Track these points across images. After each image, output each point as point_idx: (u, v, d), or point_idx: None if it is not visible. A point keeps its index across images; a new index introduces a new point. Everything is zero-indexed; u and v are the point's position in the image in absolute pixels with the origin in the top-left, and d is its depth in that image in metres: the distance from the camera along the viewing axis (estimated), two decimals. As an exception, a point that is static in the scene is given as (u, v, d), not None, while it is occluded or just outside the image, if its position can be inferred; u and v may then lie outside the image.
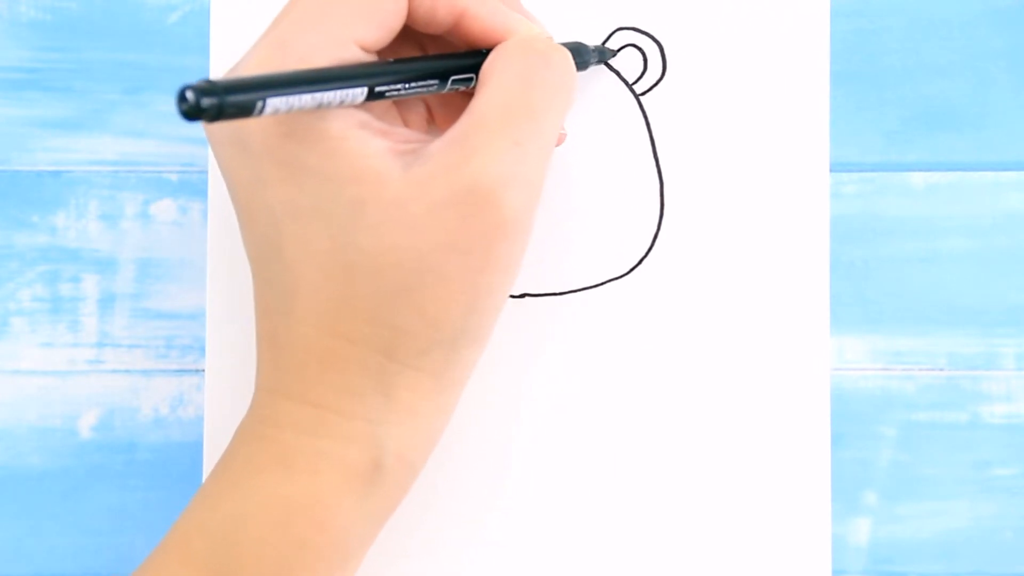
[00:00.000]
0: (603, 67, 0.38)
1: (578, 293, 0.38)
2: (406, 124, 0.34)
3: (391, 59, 0.31)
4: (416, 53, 0.33)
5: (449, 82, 0.31)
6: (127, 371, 0.38)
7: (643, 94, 0.38)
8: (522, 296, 0.38)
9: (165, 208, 0.38)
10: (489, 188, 0.29)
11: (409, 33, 0.32)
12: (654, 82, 0.38)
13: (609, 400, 0.37)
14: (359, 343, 0.30)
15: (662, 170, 0.38)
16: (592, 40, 0.38)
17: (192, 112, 0.25)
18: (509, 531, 0.37)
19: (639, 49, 0.38)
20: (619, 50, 0.37)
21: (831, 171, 0.38)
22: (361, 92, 0.29)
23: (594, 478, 0.37)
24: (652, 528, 0.37)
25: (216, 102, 0.25)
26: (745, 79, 0.38)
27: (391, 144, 0.30)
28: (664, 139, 0.38)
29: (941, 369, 0.38)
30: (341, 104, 0.28)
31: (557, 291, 0.38)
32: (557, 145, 0.35)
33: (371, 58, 0.30)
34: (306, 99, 0.27)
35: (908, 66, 0.38)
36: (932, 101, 0.38)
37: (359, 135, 0.29)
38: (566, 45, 0.35)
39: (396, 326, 0.29)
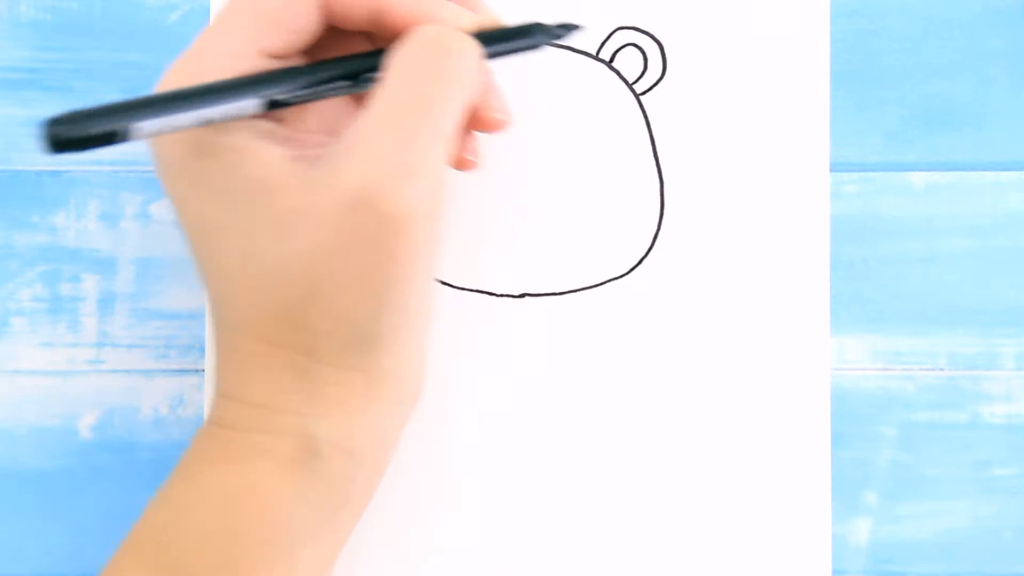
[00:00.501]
0: (603, 67, 0.38)
1: (578, 293, 0.38)
2: (330, 116, 0.34)
3: (292, 66, 0.31)
4: (351, 49, 0.33)
5: (361, 80, 0.31)
6: (127, 371, 0.38)
7: (643, 94, 0.38)
8: (522, 296, 0.38)
9: (165, 208, 0.38)
10: (375, 186, 0.29)
11: (339, 31, 0.32)
12: (654, 82, 0.38)
13: (609, 400, 0.37)
14: (281, 345, 0.31)
15: (662, 170, 0.38)
16: (592, 41, 0.38)
17: (55, 144, 0.26)
18: (509, 531, 0.37)
19: (639, 49, 0.38)
20: (576, 27, 0.34)
21: (831, 171, 0.38)
22: (252, 104, 0.29)
23: (594, 478, 0.37)
24: (652, 528, 0.37)
25: (77, 133, 0.26)
26: (745, 79, 0.38)
27: (295, 151, 0.30)
28: (664, 139, 0.38)
29: (941, 369, 0.38)
30: (236, 117, 0.29)
31: (557, 291, 0.38)
32: (498, 131, 0.34)
33: (278, 64, 0.31)
34: (185, 118, 0.28)
35: (908, 66, 0.38)
36: (932, 101, 0.38)
37: (260, 146, 0.30)
38: (514, 27, 0.33)
39: (311, 329, 0.30)
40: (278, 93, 0.30)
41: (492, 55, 0.32)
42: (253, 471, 0.31)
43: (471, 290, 0.38)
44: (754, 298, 0.37)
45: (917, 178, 0.38)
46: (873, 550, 0.37)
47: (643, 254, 0.38)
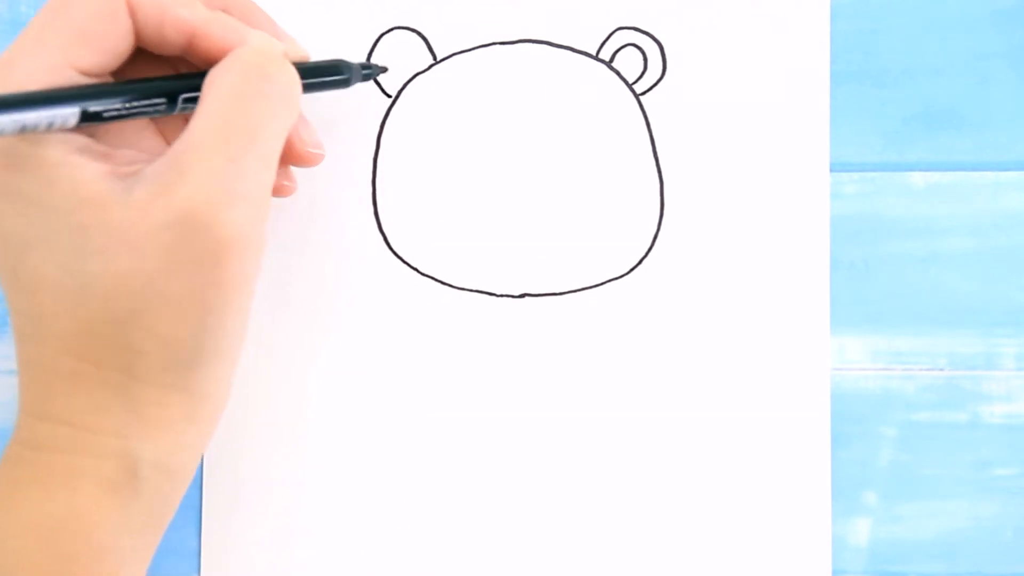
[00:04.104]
0: (603, 67, 0.38)
1: (578, 293, 0.38)
2: (169, 143, 0.33)
3: (112, 81, 0.31)
4: (160, 74, 0.33)
5: (180, 102, 0.31)
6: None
7: (643, 94, 0.38)
8: (522, 296, 0.38)
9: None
10: (204, 207, 0.29)
11: (153, 56, 0.32)
12: (654, 82, 0.38)
13: (609, 400, 0.37)
14: (101, 364, 0.30)
15: (662, 170, 0.38)
16: (593, 40, 0.38)
17: None
18: (509, 531, 0.37)
19: (639, 49, 0.38)
20: (383, 69, 0.37)
21: (831, 171, 0.38)
22: (72, 114, 0.29)
23: (594, 478, 0.37)
24: (652, 528, 0.37)
25: None
26: (745, 79, 0.38)
27: (112, 167, 0.30)
28: (664, 139, 0.38)
29: (941, 369, 0.38)
30: (51, 128, 0.29)
31: (557, 291, 0.38)
32: (311, 165, 0.35)
33: (92, 82, 0.30)
34: (4, 121, 0.27)
35: (908, 66, 0.38)
36: (932, 101, 0.38)
37: (77, 161, 0.29)
38: (326, 63, 0.34)
39: (132, 347, 0.30)
40: (97, 106, 0.29)
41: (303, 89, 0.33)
42: (76, 495, 0.30)
43: (471, 290, 0.38)
44: (754, 298, 0.37)
45: (917, 178, 0.38)
46: (873, 550, 0.37)
47: (643, 254, 0.38)
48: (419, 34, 0.38)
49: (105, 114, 0.30)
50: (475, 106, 0.38)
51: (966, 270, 0.38)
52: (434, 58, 0.38)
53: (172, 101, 0.31)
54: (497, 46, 0.38)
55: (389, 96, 0.38)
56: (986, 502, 0.37)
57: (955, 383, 0.38)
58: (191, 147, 0.29)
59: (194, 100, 0.31)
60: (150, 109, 0.31)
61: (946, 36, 0.38)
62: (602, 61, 0.38)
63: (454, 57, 0.38)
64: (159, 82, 0.31)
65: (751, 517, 0.37)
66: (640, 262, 0.38)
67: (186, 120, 0.34)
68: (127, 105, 0.30)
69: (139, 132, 0.33)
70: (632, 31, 0.38)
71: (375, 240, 0.38)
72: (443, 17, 0.38)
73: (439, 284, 0.38)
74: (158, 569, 0.37)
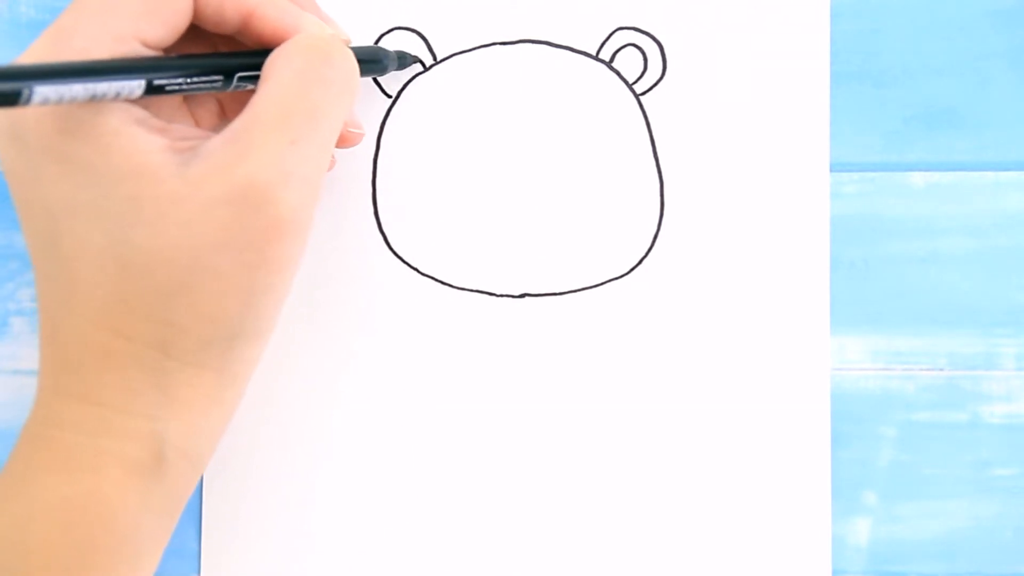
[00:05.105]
0: (603, 67, 0.38)
1: (578, 293, 0.38)
2: (196, 120, 0.34)
3: (174, 55, 0.31)
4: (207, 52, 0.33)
5: (235, 80, 0.31)
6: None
7: (643, 94, 0.38)
8: (522, 296, 0.38)
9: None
10: (264, 187, 0.29)
11: (203, 33, 0.32)
12: (654, 82, 0.38)
13: (609, 400, 0.37)
14: (136, 339, 0.30)
15: (662, 170, 0.38)
16: (593, 40, 0.38)
17: None
18: (509, 531, 0.37)
19: (639, 49, 0.38)
20: (416, 59, 0.37)
21: (831, 171, 0.38)
22: (138, 85, 0.29)
23: (594, 478, 0.37)
24: (652, 528, 0.37)
25: None
26: (745, 79, 0.38)
27: (169, 141, 0.30)
28: (664, 139, 0.38)
29: (941, 369, 0.38)
30: (117, 97, 0.28)
31: (557, 291, 0.38)
32: (352, 145, 0.36)
33: (154, 55, 0.30)
34: (78, 89, 0.27)
35: (908, 66, 0.38)
36: (932, 101, 0.38)
37: (135, 131, 0.29)
38: (363, 49, 0.35)
39: (172, 323, 0.30)
40: (162, 79, 0.29)
41: None
42: (100, 480, 0.30)
43: (471, 290, 0.38)
44: (754, 298, 0.37)
45: (917, 178, 0.38)
46: (873, 550, 0.37)
47: (643, 254, 0.38)
48: (419, 34, 0.38)
49: (168, 88, 0.30)
50: (475, 106, 0.38)
51: (966, 270, 0.38)
52: (434, 58, 0.38)
53: (228, 79, 0.31)
54: (497, 46, 0.38)
55: (389, 96, 0.38)
56: (986, 502, 0.37)
57: (955, 383, 0.38)
58: (253, 126, 0.29)
59: (249, 79, 0.31)
60: (207, 85, 0.31)
61: (946, 36, 0.38)
62: (602, 61, 0.38)
63: (454, 57, 0.38)
64: (218, 59, 0.31)
65: (751, 517, 0.37)
66: (640, 262, 0.38)
67: (217, 101, 0.34)
68: (188, 80, 0.30)
69: (175, 109, 0.33)
70: (632, 31, 0.38)
71: (375, 240, 0.38)
72: (443, 17, 0.38)
73: (439, 284, 0.38)
74: (158, 570, 0.37)
